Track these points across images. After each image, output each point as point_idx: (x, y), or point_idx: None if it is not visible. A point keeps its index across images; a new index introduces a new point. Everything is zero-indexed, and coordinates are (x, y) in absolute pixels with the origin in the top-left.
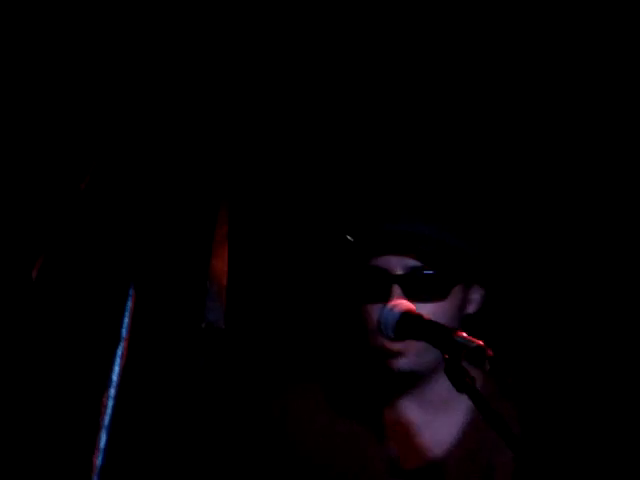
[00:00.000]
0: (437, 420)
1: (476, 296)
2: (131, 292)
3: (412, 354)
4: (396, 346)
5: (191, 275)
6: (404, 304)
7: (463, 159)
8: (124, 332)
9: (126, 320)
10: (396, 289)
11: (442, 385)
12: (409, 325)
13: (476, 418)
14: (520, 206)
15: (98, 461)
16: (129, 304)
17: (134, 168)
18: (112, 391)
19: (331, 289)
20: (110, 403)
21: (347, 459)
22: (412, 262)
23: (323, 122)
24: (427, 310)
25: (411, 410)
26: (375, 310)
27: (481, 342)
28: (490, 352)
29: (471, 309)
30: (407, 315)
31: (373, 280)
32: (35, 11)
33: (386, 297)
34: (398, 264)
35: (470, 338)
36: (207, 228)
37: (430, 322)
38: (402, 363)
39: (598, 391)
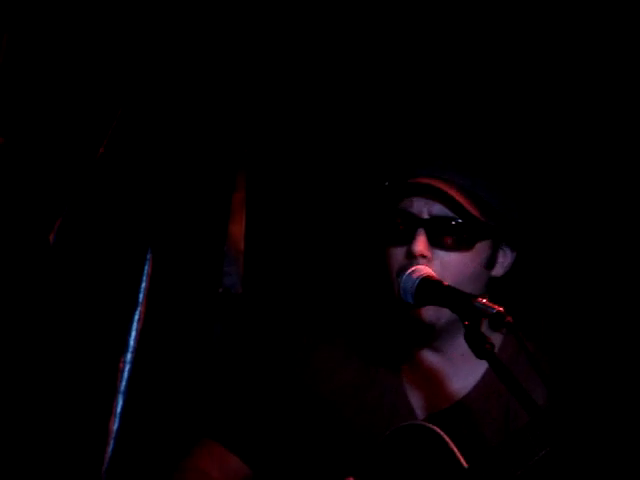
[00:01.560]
0: (456, 371)
1: (505, 259)
2: (149, 256)
3: (432, 308)
4: None
5: (208, 240)
6: (424, 269)
7: (513, 123)
8: (141, 296)
9: (143, 284)
10: (421, 233)
11: (462, 339)
12: (428, 291)
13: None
14: (561, 179)
15: (114, 425)
16: (146, 268)
17: (153, 135)
18: (129, 356)
19: (355, 237)
20: (127, 367)
21: (369, 410)
22: (439, 208)
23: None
24: (451, 259)
25: (430, 362)
26: (400, 253)
27: (501, 308)
28: (510, 318)
29: (498, 271)
30: (426, 280)
31: (400, 223)
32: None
33: (410, 240)
34: (425, 208)
35: (490, 304)
36: (225, 193)
37: (449, 288)
38: (423, 315)
39: (617, 360)
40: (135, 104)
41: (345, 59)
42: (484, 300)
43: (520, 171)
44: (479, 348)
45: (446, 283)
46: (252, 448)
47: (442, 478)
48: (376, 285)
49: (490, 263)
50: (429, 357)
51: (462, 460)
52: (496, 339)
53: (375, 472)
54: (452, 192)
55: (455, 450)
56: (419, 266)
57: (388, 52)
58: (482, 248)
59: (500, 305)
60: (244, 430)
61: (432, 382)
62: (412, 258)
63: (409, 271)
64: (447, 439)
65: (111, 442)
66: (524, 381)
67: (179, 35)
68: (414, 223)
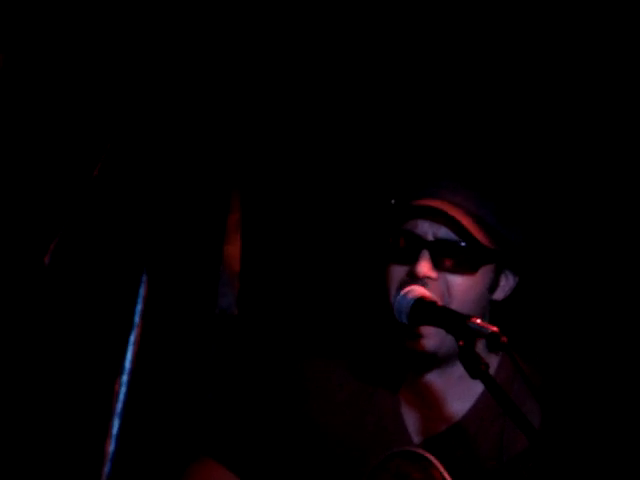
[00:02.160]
0: (453, 393)
1: (506, 283)
2: (144, 279)
3: (434, 336)
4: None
5: (204, 261)
6: (418, 290)
7: (522, 147)
8: (137, 319)
9: (139, 307)
10: (425, 254)
11: (459, 362)
12: (423, 311)
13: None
14: (567, 206)
15: (110, 448)
16: (142, 291)
17: (147, 155)
18: (125, 378)
19: (354, 257)
20: (123, 390)
21: (366, 433)
22: (445, 231)
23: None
24: (454, 282)
25: (428, 385)
26: (401, 273)
27: (496, 329)
28: (505, 339)
29: (499, 295)
30: (421, 301)
31: (404, 243)
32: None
33: (414, 261)
34: (430, 230)
35: (485, 325)
36: (220, 215)
37: (444, 309)
38: (425, 344)
39: (614, 384)
40: (130, 127)
41: (348, 76)
42: (478, 320)
43: (526, 198)
44: (473, 368)
45: (440, 304)
46: (250, 467)
47: None
48: (375, 306)
49: (492, 287)
50: (427, 380)
51: None
52: (492, 360)
53: None
54: (458, 216)
55: (447, 477)
56: (414, 286)
57: (396, 69)
58: (486, 272)
59: (496, 326)
60: (243, 449)
61: (429, 405)
62: (414, 279)
63: (404, 291)
64: (439, 466)
65: (107, 464)
66: (521, 403)
67: (173, 57)
68: (419, 244)
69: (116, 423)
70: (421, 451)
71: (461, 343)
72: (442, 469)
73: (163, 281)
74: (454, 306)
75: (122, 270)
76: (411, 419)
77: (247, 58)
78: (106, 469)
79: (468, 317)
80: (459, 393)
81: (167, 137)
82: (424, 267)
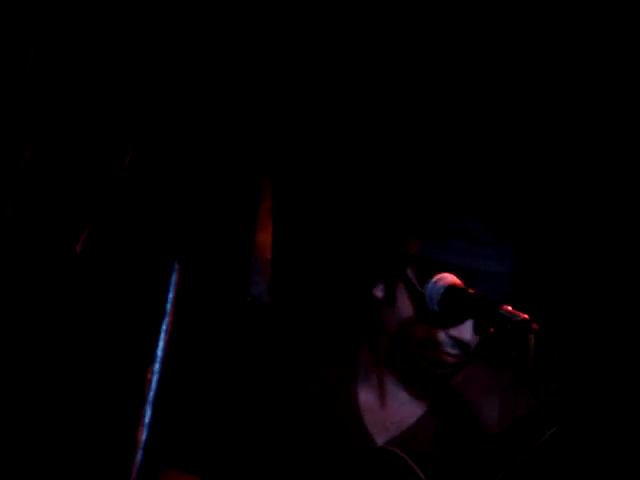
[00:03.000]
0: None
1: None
2: (176, 266)
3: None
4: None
5: (236, 249)
6: (448, 277)
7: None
8: (169, 307)
9: (171, 295)
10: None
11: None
12: (454, 298)
13: (460, 380)
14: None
15: (143, 436)
16: (174, 278)
17: (179, 144)
18: (157, 366)
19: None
20: (155, 378)
21: (339, 429)
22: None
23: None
24: None
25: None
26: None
27: (526, 316)
28: (536, 326)
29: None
30: (452, 288)
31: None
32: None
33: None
34: None
35: (516, 312)
36: (252, 203)
37: (475, 295)
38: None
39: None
40: (160, 117)
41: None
42: (510, 308)
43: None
44: (506, 355)
45: (471, 290)
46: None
47: None
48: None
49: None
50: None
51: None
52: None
53: None
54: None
55: (415, 468)
56: (444, 274)
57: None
58: None
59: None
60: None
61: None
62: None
63: (434, 279)
64: (407, 458)
65: (139, 452)
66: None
67: (204, 50)
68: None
69: (148, 411)
70: (389, 448)
71: (492, 330)
72: (409, 461)
73: (195, 269)
74: None
75: (154, 258)
76: (373, 415)
77: (276, 52)
78: (138, 457)
79: (500, 304)
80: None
81: (200, 126)
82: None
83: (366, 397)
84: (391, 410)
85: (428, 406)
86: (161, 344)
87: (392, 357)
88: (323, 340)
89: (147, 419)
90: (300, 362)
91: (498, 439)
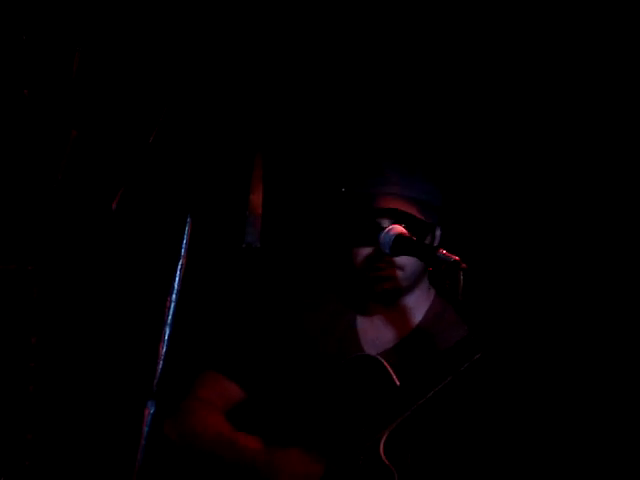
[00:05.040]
0: (400, 320)
1: (437, 232)
2: (188, 220)
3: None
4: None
5: (234, 207)
6: (398, 228)
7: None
8: (183, 250)
9: (184, 241)
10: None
11: (409, 299)
12: (402, 244)
13: (431, 316)
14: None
15: (163, 350)
16: (187, 229)
17: (192, 127)
18: (174, 296)
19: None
20: (172, 304)
21: (331, 347)
22: (393, 216)
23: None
24: None
25: (380, 316)
26: (367, 253)
27: (457, 257)
28: (464, 265)
29: (435, 242)
30: (400, 236)
31: (364, 229)
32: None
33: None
34: (385, 220)
35: (449, 254)
36: (246, 171)
37: (418, 242)
38: (391, 283)
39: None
40: (176, 106)
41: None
42: (444, 251)
43: (441, 169)
44: (441, 287)
45: (415, 238)
46: (248, 376)
47: (379, 397)
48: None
49: (431, 238)
50: (380, 313)
51: (396, 379)
52: (431, 292)
53: (330, 392)
54: (400, 205)
55: (391, 372)
56: (395, 225)
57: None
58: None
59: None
60: (242, 362)
61: (383, 326)
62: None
63: (387, 229)
64: (386, 365)
65: (161, 362)
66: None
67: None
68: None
69: (167, 330)
70: (373, 355)
71: (430, 269)
72: (388, 366)
73: (203, 222)
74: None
75: (172, 213)
76: (367, 337)
77: (271, 52)
78: (159, 366)
79: (437, 248)
80: (406, 320)
81: (208, 116)
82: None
83: (361, 322)
84: (379, 331)
85: (409, 332)
86: (177, 279)
87: (362, 287)
88: (313, 281)
89: (166, 336)
90: (298, 298)
91: (446, 353)
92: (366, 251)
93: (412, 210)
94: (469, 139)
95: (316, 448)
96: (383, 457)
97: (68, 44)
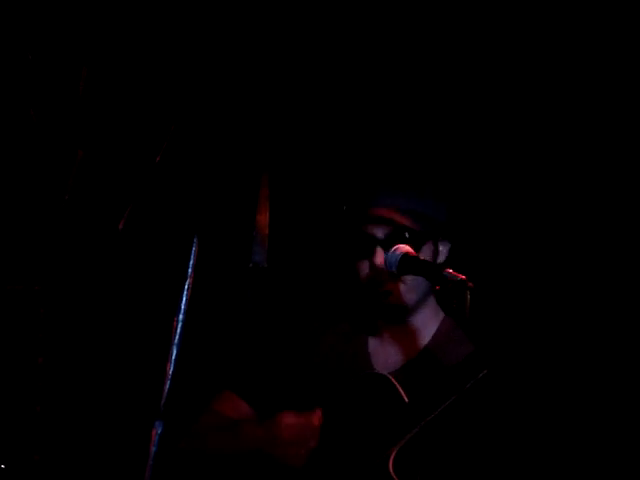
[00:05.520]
0: (409, 340)
1: (444, 248)
2: (195, 240)
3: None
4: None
5: (241, 227)
6: (404, 247)
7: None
8: (190, 270)
9: (191, 261)
10: (379, 249)
11: (417, 318)
12: (408, 263)
13: (440, 336)
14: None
15: (170, 369)
16: (194, 249)
17: (199, 146)
18: (181, 316)
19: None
20: (179, 325)
21: (342, 366)
22: (389, 229)
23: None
24: None
25: (389, 337)
26: (366, 265)
27: (464, 276)
28: (471, 284)
29: (441, 259)
30: (406, 256)
31: (362, 243)
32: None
33: (371, 255)
34: (379, 231)
35: (455, 273)
36: (253, 192)
37: (425, 261)
38: (394, 297)
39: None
40: (183, 124)
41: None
42: (451, 270)
43: (444, 185)
44: (447, 306)
45: (422, 257)
46: (259, 397)
47: (388, 414)
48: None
49: (434, 255)
50: (393, 326)
51: (404, 397)
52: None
53: (340, 409)
54: (396, 216)
55: (400, 390)
56: (400, 245)
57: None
58: (426, 247)
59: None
60: (254, 383)
61: (394, 345)
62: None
63: (393, 249)
64: (395, 383)
65: (168, 382)
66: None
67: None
68: (372, 243)
69: (174, 350)
70: (382, 373)
71: (437, 288)
72: (396, 384)
73: (209, 242)
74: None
75: (178, 234)
76: (378, 358)
77: (277, 58)
78: (167, 386)
79: (443, 267)
80: (416, 335)
81: (215, 134)
82: (380, 258)
83: (372, 344)
84: (389, 352)
85: (418, 353)
86: (184, 299)
87: (370, 304)
88: (323, 302)
89: (173, 356)
90: (309, 320)
91: (453, 371)
92: (366, 265)
93: (404, 220)
94: (476, 157)
95: (327, 467)
96: (392, 474)
97: (74, 64)
